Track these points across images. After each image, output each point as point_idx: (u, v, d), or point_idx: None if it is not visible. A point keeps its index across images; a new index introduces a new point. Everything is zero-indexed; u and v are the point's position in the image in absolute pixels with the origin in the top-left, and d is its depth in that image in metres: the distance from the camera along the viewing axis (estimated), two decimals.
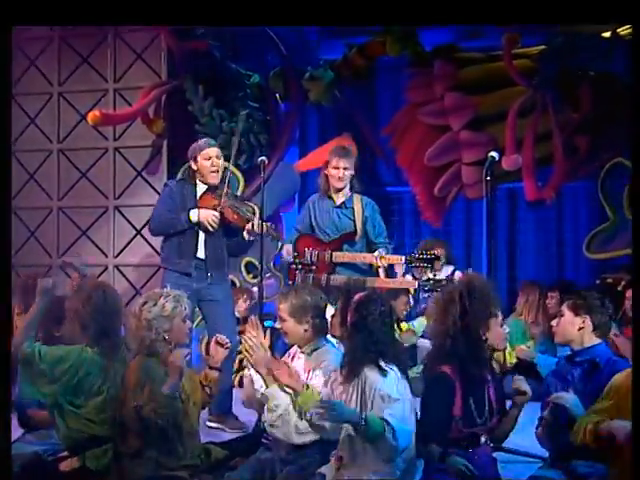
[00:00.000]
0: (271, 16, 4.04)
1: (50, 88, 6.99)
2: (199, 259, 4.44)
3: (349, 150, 4.80)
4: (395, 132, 6.72)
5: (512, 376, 3.23)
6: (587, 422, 2.79)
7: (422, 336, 5.51)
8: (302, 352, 3.45)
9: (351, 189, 4.72)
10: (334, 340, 3.59)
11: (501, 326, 3.14)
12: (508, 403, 3.23)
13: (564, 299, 3.32)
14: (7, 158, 3.17)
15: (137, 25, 6.19)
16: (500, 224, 7.12)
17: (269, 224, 4.48)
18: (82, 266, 3.89)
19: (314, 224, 4.73)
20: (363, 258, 4.57)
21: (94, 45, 6.83)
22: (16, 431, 3.52)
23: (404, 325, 5.55)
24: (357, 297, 3.18)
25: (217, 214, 4.38)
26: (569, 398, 2.98)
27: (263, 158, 4.47)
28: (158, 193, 6.65)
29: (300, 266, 4.61)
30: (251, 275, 6.44)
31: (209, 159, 4.49)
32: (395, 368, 3.08)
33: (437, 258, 4.44)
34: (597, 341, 3.17)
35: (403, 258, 4.42)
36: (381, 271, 4.64)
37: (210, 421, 4.44)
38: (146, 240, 6.75)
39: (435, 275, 4.49)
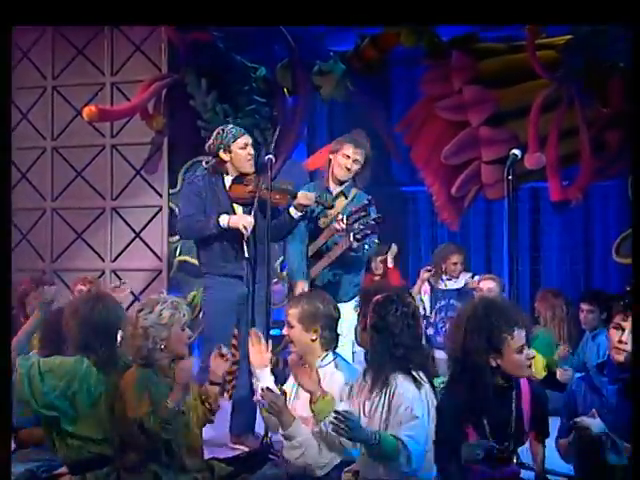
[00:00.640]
0: (273, 16, 4.20)
1: (43, 82, 7.03)
2: (246, 259, 4.43)
3: (366, 143, 4.76)
4: (410, 128, 6.72)
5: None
6: None
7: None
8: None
9: (354, 181, 4.70)
10: (346, 353, 3.65)
11: (520, 352, 3.02)
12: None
13: (612, 312, 3.25)
14: (7, 158, 3.26)
15: (139, 25, 6.27)
16: (522, 227, 7.09)
17: (312, 194, 4.44)
18: (47, 296, 3.77)
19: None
20: (326, 238, 4.48)
21: (90, 36, 6.86)
22: None
23: None
24: (376, 299, 3.21)
25: (251, 220, 4.32)
26: (595, 424, 2.96)
27: (270, 156, 4.47)
28: (158, 193, 6.78)
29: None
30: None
31: (245, 147, 4.49)
32: (428, 382, 3.11)
33: (369, 203, 4.36)
34: None
35: (345, 217, 4.36)
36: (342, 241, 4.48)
37: (232, 442, 4.43)
38: (145, 243, 6.80)
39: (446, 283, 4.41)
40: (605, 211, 7.12)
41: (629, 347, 3.09)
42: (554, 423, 3.21)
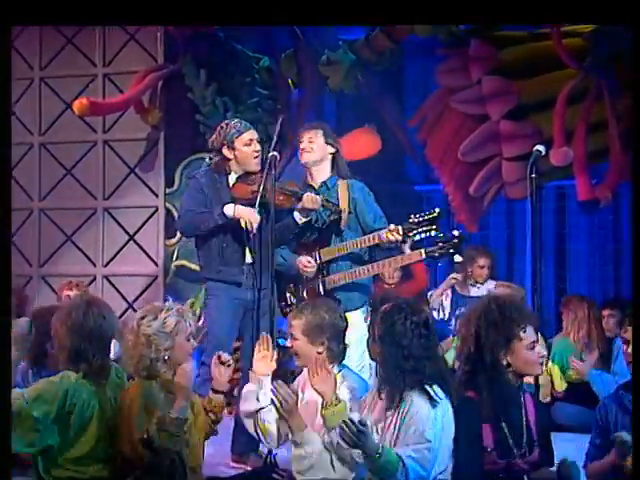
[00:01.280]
0: (270, 15, 4.29)
1: (30, 73, 7.03)
2: (248, 264, 4.41)
3: (314, 123, 4.75)
4: (424, 123, 6.72)
5: (562, 404, 3.17)
6: None
7: None
8: None
9: (334, 171, 4.61)
10: (356, 366, 3.64)
11: (532, 349, 3.10)
12: (560, 435, 3.24)
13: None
14: (7, 160, 3.30)
15: (142, 25, 6.28)
16: (547, 229, 7.06)
17: (322, 196, 4.42)
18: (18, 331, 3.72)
19: None
20: (362, 243, 4.43)
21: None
22: None
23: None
24: (383, 307, 3.23)
25: (257, 216, 4.29)
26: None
27: (274, 153, 4.42)
28: (154, 193, 6.78)
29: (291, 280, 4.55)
30: None
31: (250, 143, 4.46)
32: (445, 398, 3.09)
33: (438, 215, 4.33)
34: None
35: (401, 228, 4.31)
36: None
37: (233, 461, 4.39)
38: (140, 247, 6.80)
39: (447, 248, 4.32)
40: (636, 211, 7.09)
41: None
42: (581, 441, 3.20)
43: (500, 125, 6.26)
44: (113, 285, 6.83)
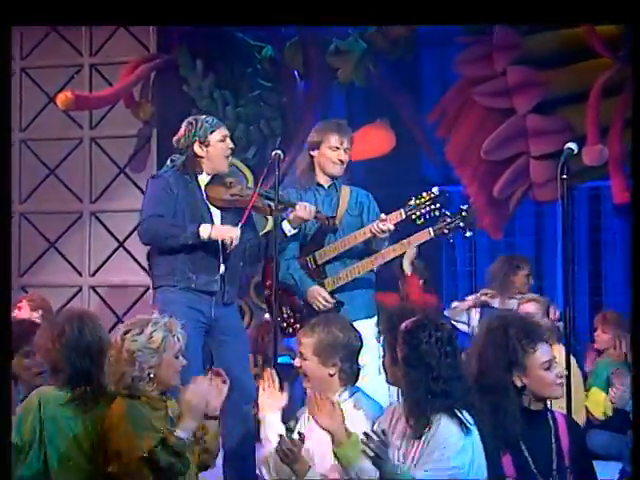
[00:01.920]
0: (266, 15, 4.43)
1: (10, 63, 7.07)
2: (221, 274, 4.35)
3: (345, 125, 4.71)
4: (443, 118, 6.70)
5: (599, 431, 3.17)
6: None
7: None
8: None
9: (343, 173, 4.64)
10: (370, 388, 3.61)
11: (547, 369, 3.12)
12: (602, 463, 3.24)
13: None
14: (7, 162, 3.38)
15: (144, 25, 6.36)
16: (580, 234, 7.03)
17: (316, 207, 4.40)
18: None
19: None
20: (355, 238, 4.45)
21: None
22: None
23: None
24: (404, 325, 3.21)
25: (238, 233, 4.23)
26: None
27: (278, 151, 4.40)
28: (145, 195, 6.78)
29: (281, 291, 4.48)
30: (262, 298, 6.30)
31: (224, 140, 4.41)
32: (474, 425, 3.08)
33: (440, 194, 4.43)
34: None
35: (403, 212, 4.38)
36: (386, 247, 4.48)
37: None
38: (130, 254, 6.79)
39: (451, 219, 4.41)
40: None
41: None
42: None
43: (527, 120, 6.24)
44: (101, 297, 6.85)
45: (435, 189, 4.49)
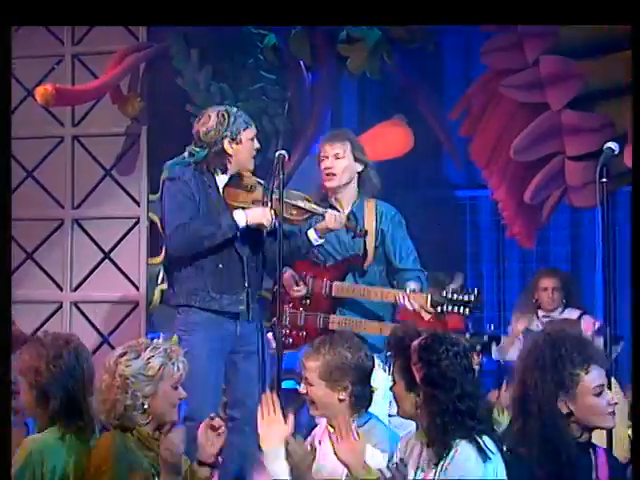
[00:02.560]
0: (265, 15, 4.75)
1: None
2: (246, 289, 4.46)
3: (341, 132, 4.84)
4: (468, 114, 6.72)
5: None
6: None
7: None
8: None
9: (360, 191, 4.77)
10: (382, 413, 3.68)
11: (598, 395, 3.11)
12: None
13: None
14: (7, 164, 3.52)
15: (146, 25, 6.44)
16: (622, 244, 6.96)
17: (345, 213, 4.51)
18: None
19: None
20: (381, 294, 4.59)
21: None
22: None
23: None
24: (416, 343, 3.23)
25: (271, 213, 4.35)
26: None
27: (282, 152, 4.47)
28: (135, 201, 6.77)
29: (288, 300, 4.65)
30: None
31: (254, 138, 4.52)
32: (497, 453, 3.09)
33: (476, 299, 4.50)
34: None
35: (429, 298, 4.50)
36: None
37: None
38: (117, 267, 6.75)
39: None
40: None
41: None
42: None
43: (562, 116, 6.21)
44: (84, 314, 6.78)
45: (476, 291, 4.54)
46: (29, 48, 6.90)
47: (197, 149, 4.52)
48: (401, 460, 3.10)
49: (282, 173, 4.38)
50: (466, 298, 4.49)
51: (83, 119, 6.86)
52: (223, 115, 4.48)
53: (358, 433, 3.24)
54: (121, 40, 6.77)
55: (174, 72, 6.64)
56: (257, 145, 4.54)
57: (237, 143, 4.46)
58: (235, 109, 4.60)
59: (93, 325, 6.75)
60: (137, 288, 6.71)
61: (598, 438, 3.37)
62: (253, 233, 4.45)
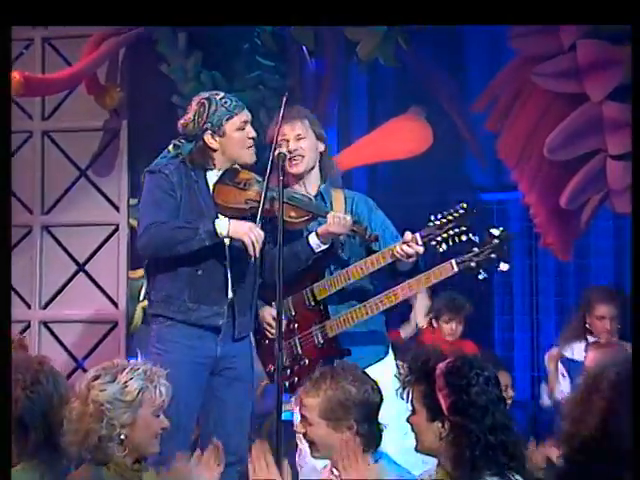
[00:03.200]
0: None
1: None
2: (229, 300, 4.46)
3: (294, 109, 4.84)
4: (495, 106, 6.71)
5: None
6: None
7: None
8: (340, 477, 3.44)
9: (323, 174, 4.80)
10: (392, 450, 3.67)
11: None
12: None
13: None
14: (7, 165, 3.63)
15: (148, 25, 6.46)
16: None
17: (349, 217, 4.49)
18: None
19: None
20: (367, 266, 4.55)
21: None
22: None
23: None
24: (441, 367, 3.27)
25: (260, 232, 4.32)
26: None
27: (282, 150, 4.53)
28: (113, 205, 6.77)
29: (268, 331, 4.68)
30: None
31: (243, 127, 4.48)
32: None
33: (467, 212, 4.52)
34: None
35: (418, 236, 4.49)
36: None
37: None
38: (93, 280, 6.73)
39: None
40: None
41: None
42: None
43: (603, 108, 6.22)
44: (54, 335, 6.74)
45: (463, 204, 4.55)
46: None
47: (182, 141, 4.55)
48: None
49: (283, 173, 4.42)
50: (455, 215, 4.48)
51: (55, 112, 6.85)
52: (203, 104, 4.47)
53: (369, 466, 3.35)
54: None
55: (158, 58, 6.65)
56: (252, 133, 4.50)
57: (220, 136, 4.45)
58: (221, 95, 4.56)
59: (65, 348, 6.72)
60: (116, 305, 6.73)
61: None
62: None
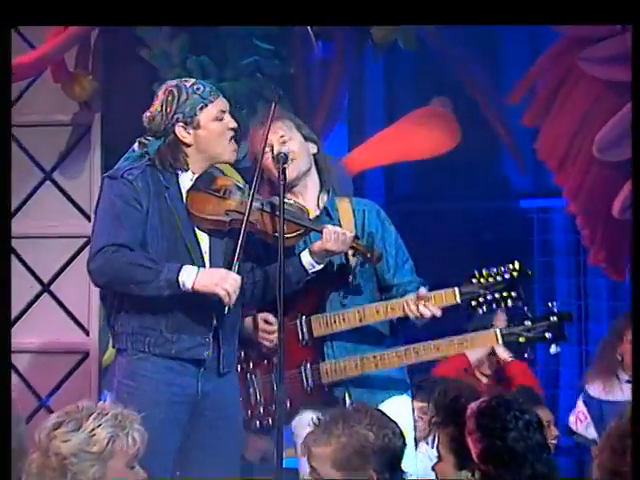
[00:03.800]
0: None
1: None
2: (214, 328, 4.40)
3: (282, 112, 4.80)
4: (534, 98, 6.76)
5: None
6: None
7: None
8: None
9: (323, 181, 4.78)
10: None
11: None
12: None
13: None
14: (7, 166, 3.74)
15: (149, 25, 6.53)
16: None
17: (348, 233, 4.47)
18: None
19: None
20: (376, 314, 4.55)
21: None
22: None
23: None
24: (474, 406, 3.34)
25: (237, 280, 4.24)
26: None
27: (283, 150, 4.53)
28: (84, 213, 6.71)
29: (250, 364, 4.67)
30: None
31: (221, 117, 4.39)
32: None
33: (520, 273, 4.46)
34: None
35: (457, 292, 4.48)
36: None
37: None
38: (60, 303, 6.71)
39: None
40: None
41: None
42: None
43: None
44: (14, 367, 6.53)
45: (516, 263, 4.49)
46: None
47: (149, 139, 4.45)
48: None
49: (284, 177, 4.43)
50: (507, 276, 4.44)
51: (16, 103, 6.75)
52: (171, 92, 4.36)
53: None
54: None
55: (137, 42, 6.63)
56: (232, 124, 4.38)
57: (194, 127, 4.33)
58: (191, 81, 4.45)
59: (27, 383, 6.69)
60: (87, 332, 6.70)
61: None
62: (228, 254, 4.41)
